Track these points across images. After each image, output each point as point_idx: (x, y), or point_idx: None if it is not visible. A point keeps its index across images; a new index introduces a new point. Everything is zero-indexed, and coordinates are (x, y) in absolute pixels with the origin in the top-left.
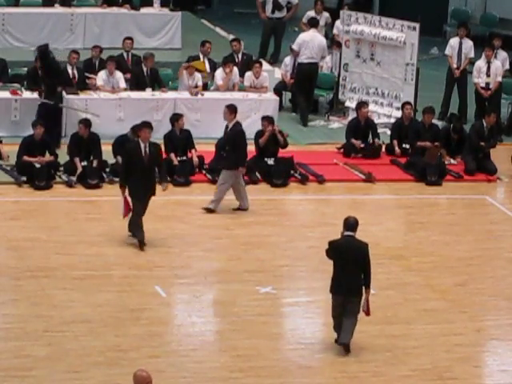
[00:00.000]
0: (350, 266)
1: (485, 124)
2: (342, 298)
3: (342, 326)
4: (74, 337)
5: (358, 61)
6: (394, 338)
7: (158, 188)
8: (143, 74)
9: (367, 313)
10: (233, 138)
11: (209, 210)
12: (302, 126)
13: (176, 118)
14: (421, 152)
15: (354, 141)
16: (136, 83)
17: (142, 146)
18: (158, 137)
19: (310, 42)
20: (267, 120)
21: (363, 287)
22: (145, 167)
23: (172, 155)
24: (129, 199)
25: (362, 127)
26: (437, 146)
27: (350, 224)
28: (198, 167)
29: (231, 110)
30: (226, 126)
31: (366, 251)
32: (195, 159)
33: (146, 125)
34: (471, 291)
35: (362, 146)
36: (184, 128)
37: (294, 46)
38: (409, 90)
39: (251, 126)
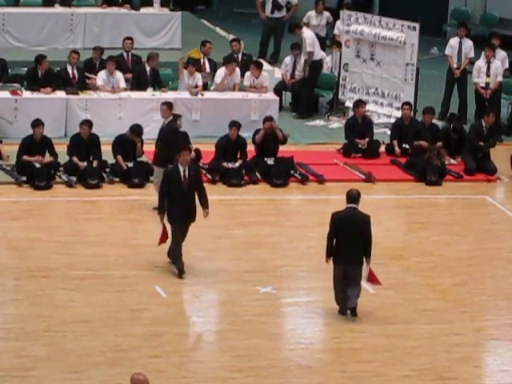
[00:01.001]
0: (352, 236)
1: (484, 124)
2: (344, 268)
3: (347, 296)
4: (74, 337)
5: (357, 61)
6: (394, 337)
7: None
8: (145, 73)
9: (374, 280)
10: (165, 135)
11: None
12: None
13: (174, 118)
14: (420, 152)
15: (358, 140)
16: (137, 83)
17: (181, 169)
18: None
19: (315, 39)
20: (269, 120)
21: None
22: (184, 192)
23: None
24: (167, 226)
25: (359, 125)
26: (435, 146)
27: (353, 196)
28: (196, 160)
29: (169, 106)
30: (163, 123)
31: (368, 223)
32: (192, 154)
33: (186, 148)
34: (471, 291)
35: (366, 144)
36: (182, 130)
37: (310, 48)
38: (409, 90)
39: (251, 126)
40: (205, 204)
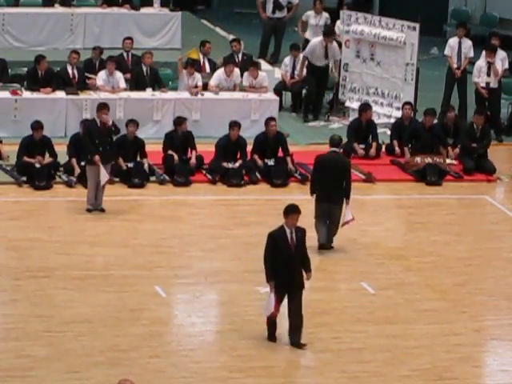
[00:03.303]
0: (334, 177)
1: (475, 125)
2: (327, 206)
3: (327, 231)
4: (74, 337)
5: (357, 61)
6: (394, 337)
7: None
8: (143, 73)
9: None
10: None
11: (89, 211)
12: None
13: (179, 121)
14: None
15: (355, 145)
16: (136, 83)
17: (288, 231)
18: (159, 136)
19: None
20: (272, 120)
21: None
22: (291, 256)
23: (171, 152)
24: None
25: (362, 128)
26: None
27: (335, 141)
28: (195, 168)
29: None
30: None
31: (348, 165)
32: (193, 161)
33: (295, 210)
34: (471, 291)
35: (363, 146)
36: (186, 131)
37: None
38: (409, 90)
39: (251, 127)
40: (309, 267)
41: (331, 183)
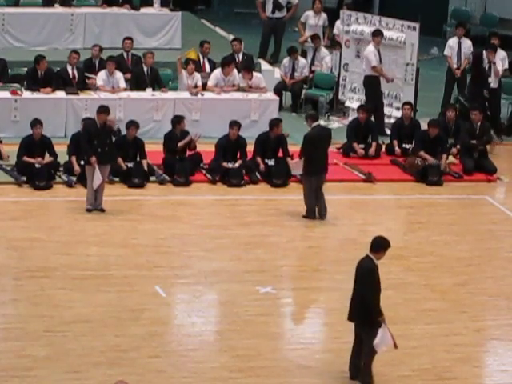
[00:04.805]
0: (321, 149)
1: (473, 122)
2: (316, 178)
3: (319, 206)
4: (74, 337)
5: (358, 61)
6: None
7: None
8: (143, 73)
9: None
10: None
11: (88, 210)
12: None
13: (177, 120)
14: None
15: (355, 145)
16: (136, 83)
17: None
18: (159, 136)
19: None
20: (280, 121)
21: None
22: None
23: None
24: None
25: (361, 128)
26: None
27: (315, 116)
28: (197, 163)
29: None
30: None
31: (330, 134)
32: (182, 142)
33: (389, 246)
34: (471, 291)
35: (362, 146)
36: (185, 129)
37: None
38: (409, 90)
39: (251, 126)
40: None
41: (319, 156)
